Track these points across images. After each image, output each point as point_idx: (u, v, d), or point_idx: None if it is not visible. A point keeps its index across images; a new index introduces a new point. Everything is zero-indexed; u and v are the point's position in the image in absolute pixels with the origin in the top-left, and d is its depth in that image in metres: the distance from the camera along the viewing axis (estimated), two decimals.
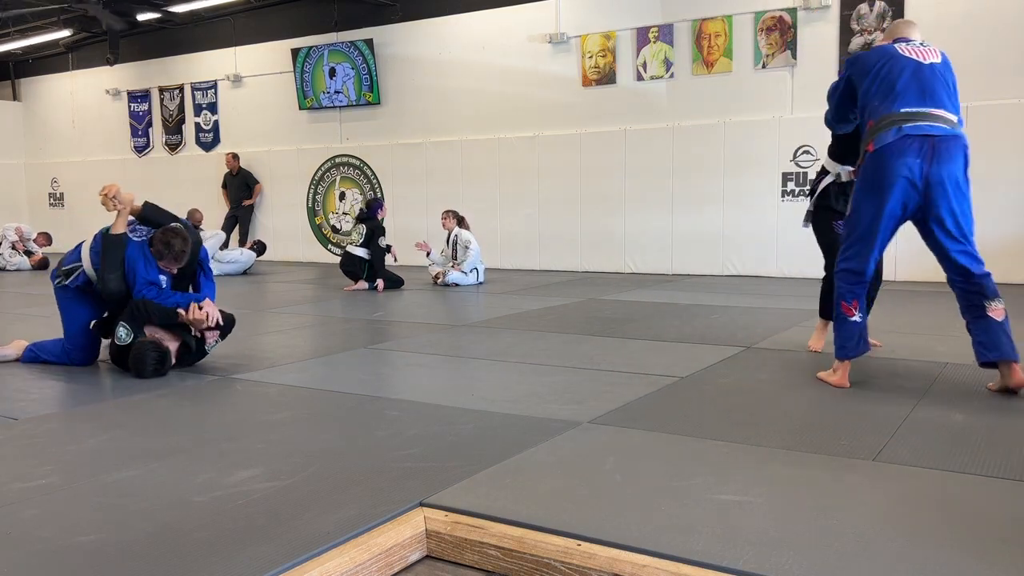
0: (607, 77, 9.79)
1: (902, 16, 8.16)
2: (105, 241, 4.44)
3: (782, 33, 8.77)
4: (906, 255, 7.50)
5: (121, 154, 14.17)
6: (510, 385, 3.98)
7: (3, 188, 15.14)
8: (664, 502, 2.37)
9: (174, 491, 2.54)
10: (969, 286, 3.64)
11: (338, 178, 11.99)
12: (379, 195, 11.48)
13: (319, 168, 12.11)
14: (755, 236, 8.98)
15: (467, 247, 8.67)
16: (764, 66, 8.91)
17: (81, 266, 4.55)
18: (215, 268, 10.13)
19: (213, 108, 13.05)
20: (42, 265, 11.53)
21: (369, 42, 11.25)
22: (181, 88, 13.37)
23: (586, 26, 9.86)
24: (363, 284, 8.41)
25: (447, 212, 8.92)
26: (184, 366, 4.48)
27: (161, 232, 4.44)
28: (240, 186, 12.46)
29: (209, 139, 13.18)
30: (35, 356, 4.75)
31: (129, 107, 14.01)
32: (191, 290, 4.66)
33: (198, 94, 13.18)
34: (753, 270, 9.04)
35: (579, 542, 2.12)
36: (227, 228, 12.36)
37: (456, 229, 8.79)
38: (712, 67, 9.18)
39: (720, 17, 9.07)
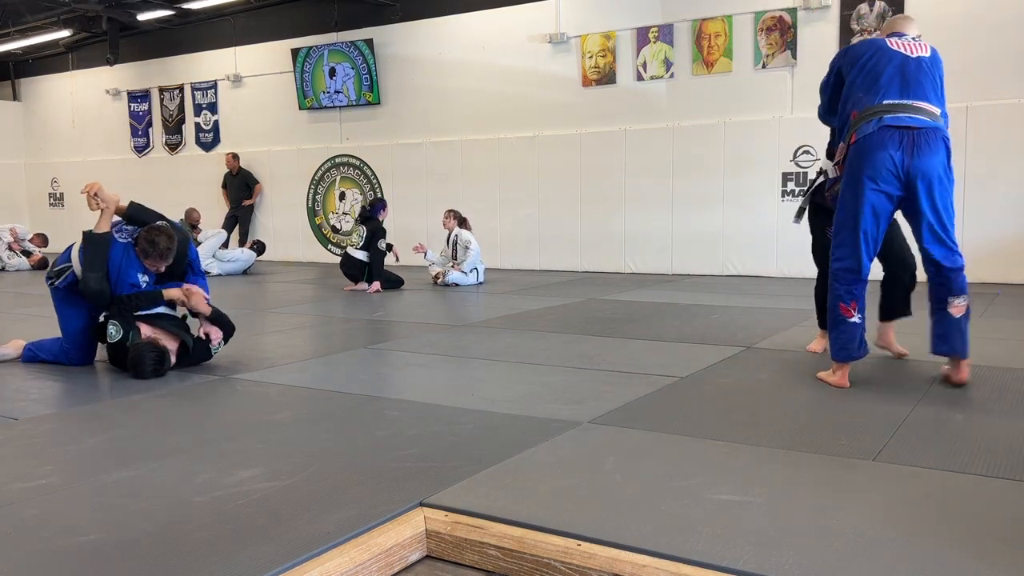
0: (607, 77, 9.79)
1: None
2: (86, 240, 4.42)
3: (782, 33, 8.77)
4: None
5: (121, 154, 14.17)
6: (510, 385, 3.98)
7: (3, 188, 15.14)
8: (664, 502, 2.37)
9: (174, 491, 2.54)
10: (939, 278, 3.69)
11: (338, 178, 11.99)
12: (379, 195, 11.48)
13: (319, 168, 12.11)
14: (755, 236, 8.98)
15: (467, 247, 8.66)
16: (764, 66, 8.91)
17: (71, 267, 4.54)
18: (215, 267, 10.18)
19: (213, 108, 13.05)
20: (42, 265, 11.52)
21: (369, 42, 11.25)
22: (181, 88, 13.37)
23: (586, 26, 9.86)
24: (363, 285, 8.40)
25: (448, 212, 8.91)
26: (189, 366, 4.47)
27: (146, 230, 4.43)
28: (240, 186, 12.46)
29: (209, 139, 13.18)
30: (34, 355, 4.75)
31: (129, 107, 14.01)
32: None
33: (198, 94, 13.18)
34: (753, 270, 9.04)
35: (579, 542, 2.12)
36: (227, 228, 12.35)
37: (457, 229, 8.78)
38: (712, 67, 9.18)
39: (720, 17, 9.06)
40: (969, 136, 7.84)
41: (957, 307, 3.66)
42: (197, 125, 13.27)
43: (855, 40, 8.38)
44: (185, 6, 11.86)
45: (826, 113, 4.19)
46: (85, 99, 14.54)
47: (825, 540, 2.10)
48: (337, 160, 11.96)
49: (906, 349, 4.18)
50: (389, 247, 8.54)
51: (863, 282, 3.76)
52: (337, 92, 11.66)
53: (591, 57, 9.85)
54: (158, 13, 12.05)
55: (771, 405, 3.54)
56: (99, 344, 4.69)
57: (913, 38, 3.85)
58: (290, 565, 2.01)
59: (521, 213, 10.41)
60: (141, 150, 13.99)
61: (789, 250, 8.63)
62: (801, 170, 8.71)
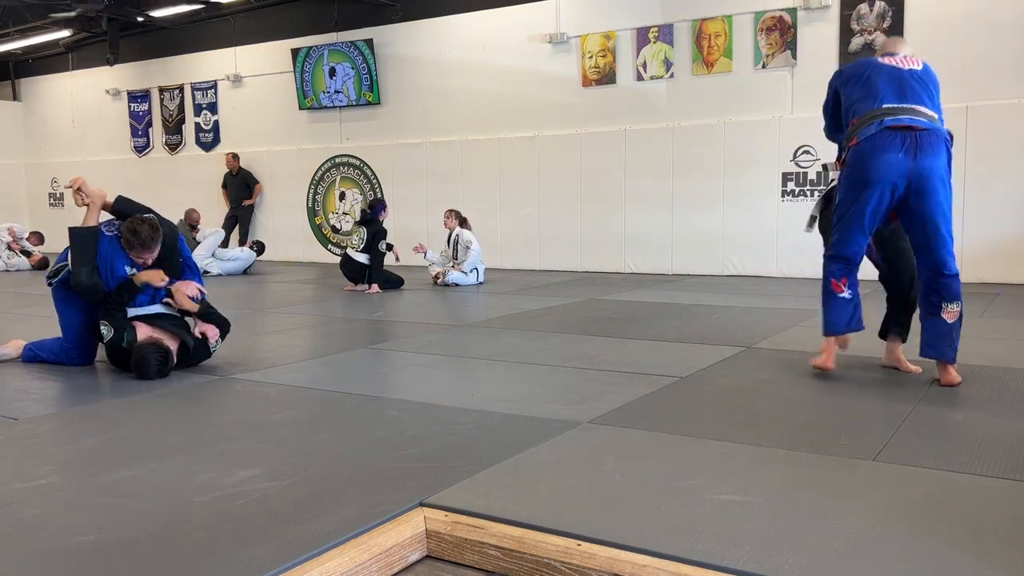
0: (607, 77, 9.79)
1: (902, 16, 8.18)
2: (72, 235, 4.42)
3: (782, 33, 8.77)
4: None
5: (121, 154, 14.17)
6: (510, 385, 3.98)
7: (3, 188, 15.14)
8: (664, 502, 2.37)
9: (174, 491, 2.54)
10: (935, 283, 3.75)
11: (338, 178, 11.99)
12: (379, 195, 11.48)
13: (319, 168, 12.11)
14: (755, 236, 8.98)
15: (468, 247, 8.66)
16: (764, 66, 8.91)
17: (67, 265, 4.55)
18: (215, 266, 10.18)
19: (213, 108, 13.05)
20: (42, 265, 11.52)
21: (369, 42, 11.25)
22: (181, 88, 13.37)
23: (586, 26, 9.86)
24: (363, 286, 8.38)
25: (449, 212, 8.91)
26: (188, 366, 4.47)
27: (128, 221, 4.41)
28: (240, 186, 12.46)
29: (209, 139, 13.18)
30: (34, 355, 4.74)
31: (129, 107, 14.01)
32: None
33: (198, 94, 13.18)
34: (753, 270, 9.04)
35: (579, 542, 2.12)
36: (227, 228, 12.35)
37: (458, 229, 8.78)
38: (712, 67, 9.18)
39: (720, 17, 9.07)
40: (969, 136, 7.84)
41: (950, 312, 3.72)
42: (197, 125, 13.27)
43: (855, 40, 8.40)
44: (181, 9, 11.84)
45: (832, 131, 4.25)
46: (85, 99, 14.54)
47: (825, 540, 2.10)
48: (337, 160, 11.96)
49: (918, 368, 4.01)
50: (389, 247, 8.52)
51: (855, 267, 3.92)
52: (337, 92, 11.66)
53: (591, 57, 9.85)
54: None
55: (771, 405, 3.54)
56: (99, 344, 4.69)
57: (904, 56, 3.95)
58: (290, 565, 2.01)
59: (521, 213, 10.41)
60: (141, 150, 13.99)
61: (789, 250, 8.64)
62: (801, 170, 8.71)
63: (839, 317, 3.94)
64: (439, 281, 8.68)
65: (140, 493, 2.54)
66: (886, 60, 3.91)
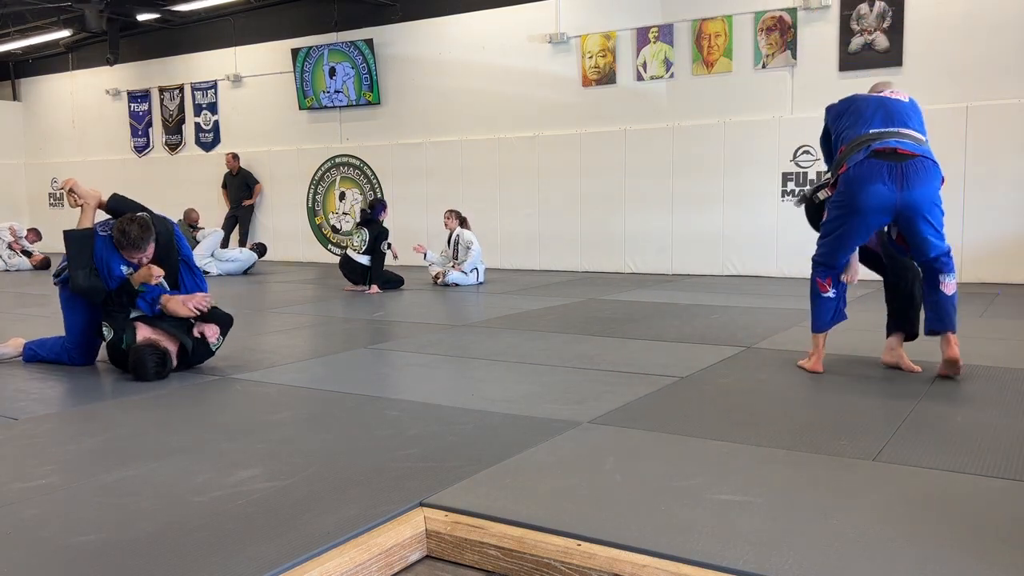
0: (607, 77, 9.79)
1: (902, 16, 8.18)
2: (68, 238, 4.40)
3: (782, 33, 8.78)
4: None
5: (121, 154, 14.18)
6: (510, 385, 3.98)
7: (3, 188, 15.15)
8: (664, 502, 2.37)
9: (174, 491, 2.54)
10: (931, 264, 3.91)
11: (338, 178, 11.99)
12: (379, 195, 11.48)
13: (319, 168, 12.11)
14: (755, 236, 8.98)
15: (469, 247, 8.65)
16: (764, 66, 8.91)
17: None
18: (214, 266, 10.17)
19: (213, 108, 13.06)
20: (43, 265, 11.53)
21: (369, 42, 11.25)
22: (181, 88, 13.38)
23: (586, 26, 9.86)
24: (364, 287, 8.35)
25: (449, 212, 8.91)
26: (190, 367, 4.45)
27: (118, 221, 4.37)
28: (240, 186, 12.46)
29: (209, 139, 13.18)
30: (35, 354, 4.74)
31: (129, 107, 14.01)
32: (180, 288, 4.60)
33: (198, 94, 13.18)
34: (753, 270, 9.04)
35: (579, 542, 2.12)
36: (227, 228, 12.36)
37: (458, 229, 8.78)
38: (712, 67, 9.18)
39: (720, 17, 9.07)
40: (969, 136, 7.84)
41: (948, 285, 3.89)
42: (197, 125, 13.27)
43: (855, 40, 8.40)
44: (180, 8, 11.84)
45: (829, 164, 4.34)
46: (85, 99, 14.54)
47: (825, 540, 2.10)
48: (337, 160, 11.96)
49: (918, 367, 4.04)
50: (388, 245, 8.50)
51: (839, 271, 4.12)
52: (337, 92, 11.67)
53: (591, 57, 9.85)
54: (151, 15, 12.02)
55: (771, 405, 3.54)
56: (101, 344, 4.68)
57: (891, 91, 4.13)
58: (290, 565, 2.01)
59: (521, 213, 10.41)
60: (141, 150, 14.00)
61: (789, 250, 8.64)
62: (801, 170, 8.71)
63: (825, 314, 4.15)
64: (439, 281, 8.67)
65: (140, 493, 2.53)
66: (873, 93, 4.14)
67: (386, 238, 8.41)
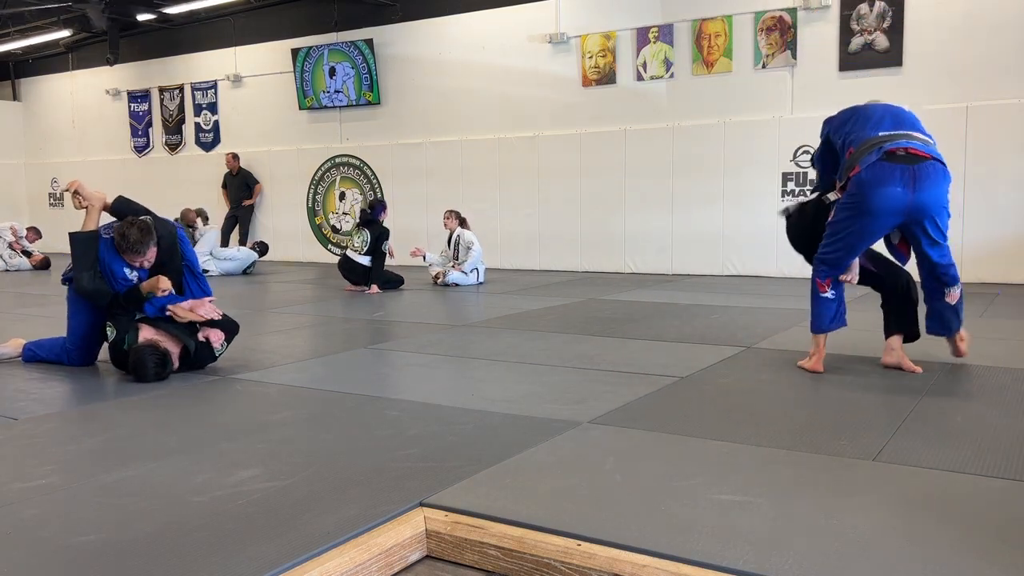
0: (607, 77, 9.79)
1: (902, 16, 8.18)
2: (72, 241, 4.40)
3: (782, 33, 8.77)
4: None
5: (121, 154, 14.18)
6: (510, 385, 3.98)
7: (3, 188, 15.15)
8: (664, 502, 2.37)
9: (174, 491, 2.54)
10: (935, 274, 4.02)
11: (338, 178, 11.99)
12: (379, 195, 11.48)
13: (319, 168, 12.12)
14: (755, 236, 8.98)
15: (470, 248, 8.65)
16: (764, 66, 8.91)
17: None
18: (212, 266, 10.15)
19: (213, 108, 13.06)
20: (43, 265, 11.53)
21: (369, 42, 11.25)
22: (181, 88, 13.38)
23: (586, 26, 9.86)
24: (364, 287, 8.33)
25: (449, 212, 8.90)
26: (192, 369, 4.44)
27: (118, 224, 4.37)
28: (240, 186, 12.46)
29: (209, 139, 13.18)
30: (34, 354, 4.74)
31: (129, 107, 14.01)
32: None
33: (198, 94, 13.18)
34: (753, 270, 9.04)
35: (579, 542, 2.12)
36: (227, 228, 12.37)
37: (459, 230, 8.77)
38: (712, 67, 9.18)
39: (720, 17, 9.07)
40: (969, 136, 7.84)
41: (952, 295, 4.04)
42: (197, 125, 13.27)
43: (855, 40, 8.40)
44: (180, 9, 11.85)
45: (823, 182, 4.37)
46: (85, 99, 14.54)
47: (825, 540, 2.10)
48: (337, 160, 11.96)
49: (919, 367, 4.05)
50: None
51: (840, 272, 4.12)
52: (337, 92, 11.67)
53: (591, 57, 9.85)
54: (150, 16, 12.04)
55: (771, 405, 3.54)
56: (101, 346, 4.67)
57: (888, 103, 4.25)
58: (290, 565, 2.01)
59: (521, 213, 10.41)
60: (141, 150, 14.00)
61: (789, 250, 8.57)
62: (801, 170, 8.71)
63: (824, 315, 4.15)
64: (439, 281, 8.67)
65: (140, 493, 2.54)
66: (878, 103, 4.20)
67: (387, 238, 8.39)
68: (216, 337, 4.42)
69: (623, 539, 2.11)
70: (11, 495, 2.54)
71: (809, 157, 8.61)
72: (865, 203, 3.81)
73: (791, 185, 8.77)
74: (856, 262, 4.13)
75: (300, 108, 12.06)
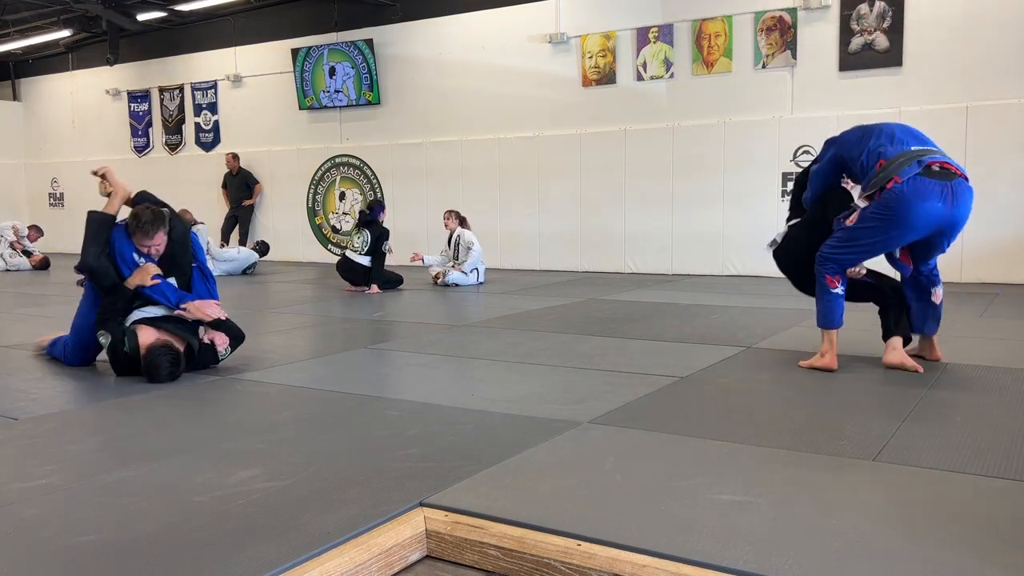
0: (607, 77, 9.79)
1: (902, 16, 8.18)
2: (89, 218, 4.46)
3: (782, 33, 8.78)
4: None
5: (121, 154, 14.17)
6: (510, 385, 3.98)
7: (3, 188, 15.15)
8: (664, 502, 2.37)
9: (174, 491, 2.54)
10: (921, 276, 4.22)
11: (338, 178, 11.99)
12: (379, 195, 11.48)
13: (319, 168, 12.12)
14: (755, 236, 8.95)
15: (470, 248, 8.64)
16: (764, 66, 8.91)
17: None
18: (212, 267, 10.10)
19: (213, 108, 13.06)
20: (43, 265, 11.53)
21: (369, 42, 11.25)
22: (181, 88, 13.38)
23: (586, 26, 9.86)
24: (364, 287, 8.33)
25: (449, 212, 8.90)
26: (194, 369, 4.42)
27: (135, 207, 4.46)
28: (240, 186, 12.46)
29: (209, 139, 13.18)
30: (49, 352, 4.79)
31: (129, 107, 14.02)
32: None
33: (198, 94, 13.18)
34: (753, 270, 9.04)
35: (579, 542, 2.11)
36: (227, 228, 12.37)
37: (459, 230, 8.77)
38: (712, 67, 9.18)
39: (720, 17, 9.07)
40: (969, 136, 7.84)
41: (937, 295, 4.23)
42: (197, 125, 13.27)
43: (855, 40, 8.40)
44: (183, 7, 11.86)
45: (817, 199, 4.41)
46: (85, 99, 14.55)
47: (825, 540, 2.10)
48: (337, 160, 11.96)
49: (920, 367, 4.07)
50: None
51: (848, 267, 4.19)
52: (337, 92, 11.67)
53: (591, 57, 9.85)
54: (155, 14, 12.05)
55: (771, 405, 3.54)
56: (98, 348, 4.67)
57: None
58: (290, 565, 2.01)
59: (521, 213, 10.41)
60: (141, 150, 14.00)
61: None
62: (801, 170, 8.70)
63: (834, 311, 4.15)
64: (439, 281, 8.67)
65: (140, 493, 2.53)
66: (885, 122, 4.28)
67: (387, 239, 8.39)
68: (221, 340, 4.43)
69: (623, 539, 2.11)
70: (11, 495, 2.54)
71: (810, 159, 8.62)
72: (904, 215, 3.84)
73: (791, 185, 8.76)
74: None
75: (300, 108, 12.06)
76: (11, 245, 11.60)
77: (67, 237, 13.80)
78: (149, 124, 13.85)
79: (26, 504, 2.46)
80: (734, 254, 9.17)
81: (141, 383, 4.14)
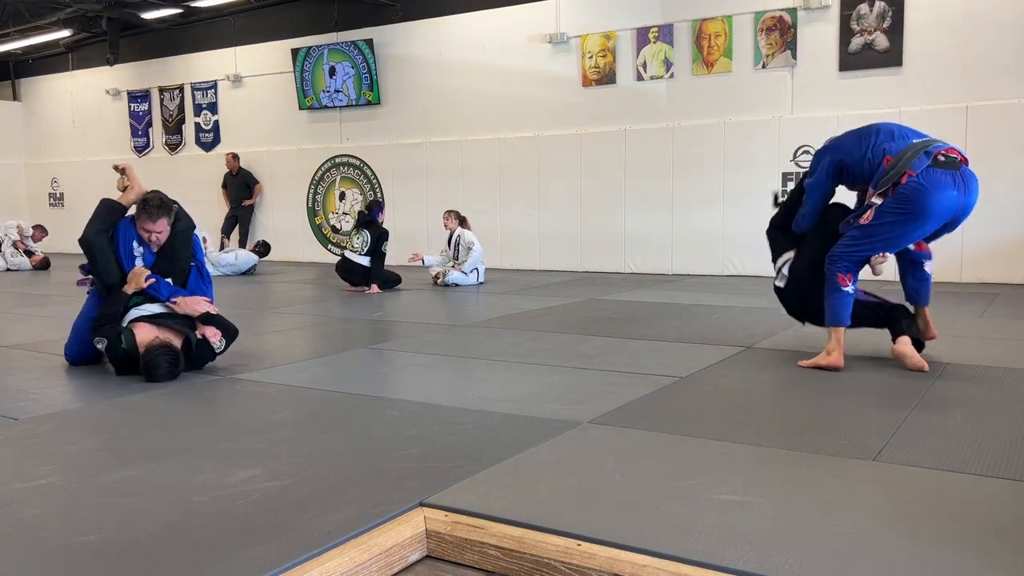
0: (607, 77, 9.79)
1: (902, 16, 8.18)
2: (102, 202, 4.56)
3: (782, 33, 8.77)
4: None
5: (121, 154, 14.15)
6: (510, 385, 3.98)
7: (3, 188, 15.15)
8: (664, 502, 2.37)
9: (174, 491, 2.54)
10: (913, 253, 4.33)
11: (338, 178, 11.99)
12: (379, 195, 11.48)
13: (319, 168, 12.11)
14: (755, 236, 8.90)
15: (470, 248, 8.64)
16: (764, 66, 8.91)
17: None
18: (210, 271, 10.07)
19: (213, 108, 13.06)
20: (43, 265, 11.53)
21: (369, 42, 11.25)
22: (181, 88, 13.38)
23: (586, 26, 9.86)
24: (364, 287, 8.33)
25: (448, 212, 8.90)
26: (193, 367, 4.43)
27: (145, 193, 4.57)
28: (240, 186, 12.46)
29: (209, 139, 13.18)
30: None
31: (129, 107, 14.02)
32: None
33: (198, 94, 13.18)
34: (753, 270, 9.03)
35: (579, 542, 2.12)
36: (227, 228, 12.36)
37: (459, 230, 8.77)
38: (712, 67, 9.18)
39: (720, 17, 9.07)
40: (969, 136, 7.84)
41: (929, 266, 4.37)
42: (197, 125, 13.27)
43: (855, 40, 8.40)
44: (188, 4, 11.86)
45: (813, 216, 4.39)
46: (85, 99, 14.54)
47: (825, 540, 2.10)
48: (337, 160, 11.96)
49: (926, 366, 4.07)
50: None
51: (861, 265, 4.20)
52: (337, 91, 11.67)
53: (591, 57, 9.85)
54: (161, 12, 12.06)
55: (771, 405, 3.55)
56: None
57: None
58: (290, 565, 2.01)
59: (521, 213, 10.41)
60: (141, 150, 14.00)
61: None
62: (801, 170, 8.70)
63: (844, 309, 4.15)
64: (439, 281, 8.67)
65: (140, 493, 2.54)
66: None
67: (387, 239, 8.39)
68: (212, 333, 4.44)
69: (623, 539, 2.11)
70: (11, 495, 2.55)
71: (810, 159, 8.62)
72: (924, 208, 3.88)
73: (791, 185, 8.76)
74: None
75: (300, 108, 12.06)
76: (14, 244, 11.60)
77: (67, 237, 13.76)
78: (149, 124, 13.85)
79: (26, 504, 2.46)
80: (734, 254, 9.17)
81: (141, 383, 4.14)
